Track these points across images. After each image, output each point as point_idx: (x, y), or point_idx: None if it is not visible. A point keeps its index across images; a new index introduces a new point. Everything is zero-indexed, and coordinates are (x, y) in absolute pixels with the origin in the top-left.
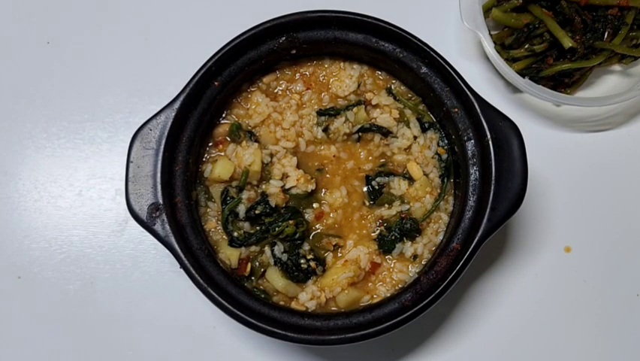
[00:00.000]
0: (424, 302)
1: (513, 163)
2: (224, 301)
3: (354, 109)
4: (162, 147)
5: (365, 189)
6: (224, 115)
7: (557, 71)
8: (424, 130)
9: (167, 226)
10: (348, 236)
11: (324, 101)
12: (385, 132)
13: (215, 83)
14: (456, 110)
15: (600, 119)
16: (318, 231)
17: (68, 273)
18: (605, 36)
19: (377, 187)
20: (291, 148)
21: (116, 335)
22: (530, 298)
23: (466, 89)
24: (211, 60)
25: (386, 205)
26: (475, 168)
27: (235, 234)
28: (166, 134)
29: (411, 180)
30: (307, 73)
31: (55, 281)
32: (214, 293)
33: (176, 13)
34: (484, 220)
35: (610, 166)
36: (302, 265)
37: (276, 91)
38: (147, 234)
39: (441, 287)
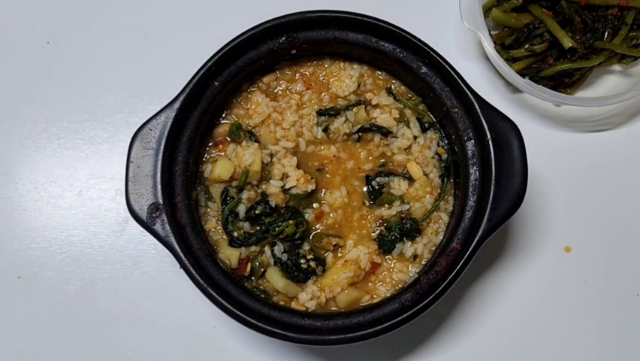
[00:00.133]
0: (424, 302)
1: (513, 163)
2: (224, 301)
3: (354, 109)
4: (162, 147)
5: (365, 189)
6: (224, 115)
7: (557, 71)
8: (424, 130)
9: (167, 226)
10: (348, 236)
11: (324, 101)
12: (385, 132)
13: (215, 83)
14: (456, 110)
15: (600, 119)
16: (318, 231)
17: (68, 273)
18: (605, 36)
19: (377, 187)
20: (291, 148)
21: (116, 335)
22: (530, 298)
23: (466, 89)
24: (211, 60)
25: (386, 205)
26: (475, 168)
27: (235, 234)
28: (166, 134)
29: (411, 180)
30: (307, 73)
31: (55, 281)
32: (214, 293)
33: (176, 13)
34: (484, 220)
35: (610, 166)
36: (302, 265)
37: (276, 91)
38: (147, 234)
39: (441, 287)
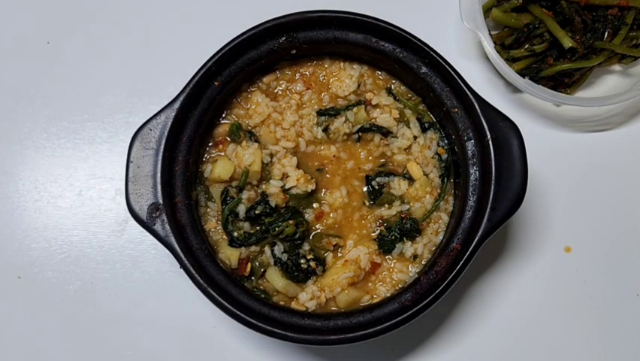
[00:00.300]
0: (424, 302)
1: (513, 163)
2: (224, 301)
3: (354, 109)
4: (162, 147)
5: (365, 189)
6: (224, 115)
7: (557, 71)
8: (424, 130)
9: (167, 226)
10: (348, 236)
11: (324, 101)
12: (385, 132)
13: (215, 83)
14: (456, 110)
15: (600, 119)
16: (318, 231)
17: (68, 273)
18: (605, 36)
19: (377, 187)
20: (291, 148)
21: (116, 335)
22: (530, 298)
23: (466, 89)
24: (211, 60)
25: (386, 205)
26: (475, 168)
27: (235, 234)
28: (166, 134)
29: (411, 180)
30: (307, 73)
31: (55, 281)
32: (214, 293)
33: (176, 13)
34: (484, 220)
35: (610, 166)
36: (302, 265)
37: (276, 91)
38: (147, 234)
39: (441, 287)
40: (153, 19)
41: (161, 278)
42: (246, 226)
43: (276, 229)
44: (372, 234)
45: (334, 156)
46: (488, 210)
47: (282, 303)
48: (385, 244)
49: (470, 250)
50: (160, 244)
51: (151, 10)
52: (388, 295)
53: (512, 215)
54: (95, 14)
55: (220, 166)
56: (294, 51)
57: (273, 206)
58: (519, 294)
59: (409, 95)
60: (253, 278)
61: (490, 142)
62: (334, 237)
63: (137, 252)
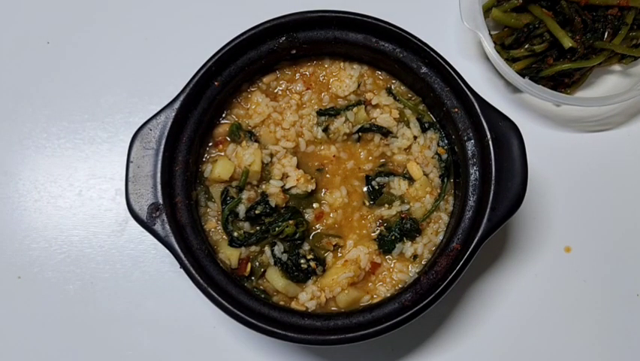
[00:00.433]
0: (424, 302)
1: (513, 163)
2: (224, 301)
3: (354, 109)
4: (162, 147)
5: (365, 189)
6: (224, 115)
7: (557, 71)
8: (424, 130)
9: (167, 226)
10: (348, 236)
11: (324, 101)
12: (385, 132)
13: (215, 83)
14: (456, 110)
15: (600, 119)
16: (318, 231)
17: (68, 273)
18: (605, 36)
19: (377, 187)
20: (291, 148)
21: (116, 335)
22: (530, 298)
23: (466, 89)
24: (211, 60)
25: (386, 205)
26: (475, 168)
27: (235, 234)
28: (166, 134)
29: (411, 180)
30: (307, 73)
31: (55, 281)
32: (214, 293)
33: (175, 14)
34: (484, 220)
35: (610, 166)
36: (302, 265)
37: (276, 91)
38: (147, 234)
39: (441, 287)
40: (153, 19)
41: (161, 278)
42: (246, 226)
43: (276, 229)
44: (372, 234)
45: (334, 156)
46: (488, 210)
47: (282, 303)
48: (385, 244)
49: (470, 250)
50: (160, 244)
51: (151, 10)
52: (388, 295)
53: (512, 215)
54: (95, 14)
55: (220, 166)
56: (294, 51)
57: (273, 206)
58: (519, 294)
59: (409, 95)
60: (253, 278)
61: (490, 142)
62: (334, 237)
63: (137, 252)
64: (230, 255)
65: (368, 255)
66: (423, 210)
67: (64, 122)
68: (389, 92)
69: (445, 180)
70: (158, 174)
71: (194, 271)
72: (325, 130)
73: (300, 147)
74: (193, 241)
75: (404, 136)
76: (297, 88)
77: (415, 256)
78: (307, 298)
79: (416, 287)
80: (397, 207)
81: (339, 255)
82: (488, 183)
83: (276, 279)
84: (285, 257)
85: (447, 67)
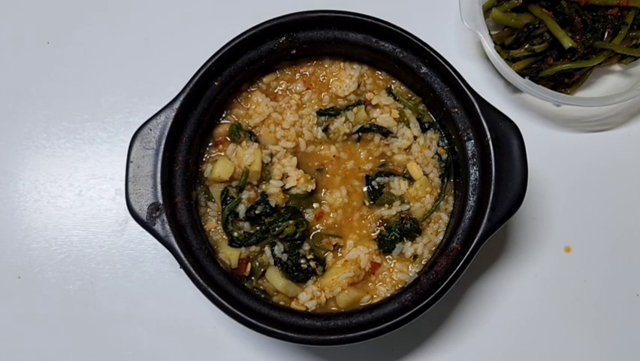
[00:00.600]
0: (424, 302)
1: (513, 163)
2: (224, 301)
3: (354, 109)
4: (162, 147)
5: (365, 189)
6: (224, 115)
7: (557, 71)
8: (424, 130)
9: (167, 226)
10: (348, 236)
11: (324, 101)
12: (385, 132)
13: (215, 83)
14: (456, 110)
15: (600, 119)
16: (318, 231)
17: (68, 273)
18: (605, 36)
19: (377, 187)
20: (291, 148)
21: (116, 335)
22: (530, 298)
23: (466, 89)
24: (211, 60)
25: (386, 205)
26: (475, 168)
27: (235, 234)
28: (166, 134)
29: (411, 180)
30: (307, 73)
31: (55, 281)
32: (214, 293)
33: (176, 13)
34: (484, 220)
35: (610, 166)
36: (302, 265)
37: (276, 91)
38: (147, 234)
39: (441, 287)
40: (153, 19)
41: (161, 278)
42: (246, 226)
43: (276, 229)
44: (372, 234)
45: (334, 156)
46: (488, 210)
47: (282, 303)
48: (385, 244)
49: (470, 250)
50: (160, 244)
51: (151, 10)
52: (388, 295)
53: (512, 215)
54: (95, 14)
55: (220, 166)
56: (294, 51)
57: (273, 206)
58: (519, 294)
59: (409, 95)
60: (253, 278)
61: (490, 142)
62: (334, 237)
63: (137, 252)
64: (230, 255)
65: (368, 255)
66: (423, 210)
67: (64, 122)
68: (389, 92)
69: (445, 180)
70: (158, 174)
71: (194, 271)
72: (325, 130)
73: (300, 147)
74: (193, 241)
75: (404, 136)
76: (297, 88)
77: (415, 256)
78: (307, 298)
79: (416, 287)
80: (397, 207)
81: (339, 255)
82: (488, 183)
83: (276, 279)
84: (285, 257)
85: (447, 67)
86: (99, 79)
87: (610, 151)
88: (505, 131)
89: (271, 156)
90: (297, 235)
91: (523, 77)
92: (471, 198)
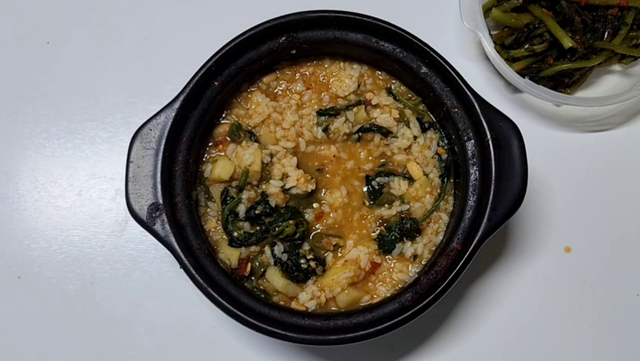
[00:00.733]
0: (424, 302)
1: (513, 163)
2: (224, 301)
3: (354, 109)
4: (162, 147)
5: (365, 189)
6: (224, 115)
7: (557, 71)
8: (424, 130)
9: (167, 226)
10: (348, 236)
11: (324, 101)
12: (385, 132)
13: (215, 83)
14: (456, 110)
15: (600, 119)
16: (318, 231)
17: (68, 273)
18: (605, 36)
19: (377, 187)
20: (291, 148)
21: (116, 335)
22: (530, 298)
23: (466, 89)
24: (211, 60)
25: (386, 205)
26: (475, 168)
27: (235, 234)
28: (166, 134)
29: (411, 180)
30: (307, 73)
31: (55, 281)
32: (214, 293)
33: (176, 13)
34: (484, 220)
35: (610, 166)
36: (302, 265)
37: (276, 91)
38: (147, 234)
39: (441, 287)
40: (153, 19)
41: (161, 278)
42: (246, 226)
43: (276, 229)
44: (372, 234)
45: (334, 156)
46: (488, 210)
47: (282, 303)
48: (385, 244)
49: (470, 250)
50: (160, 244)
51: (151, 10)
52: (388, 295)
53: (512, 215)
54: (94, 14)
55: (220, 166)
56: (294, 51)
57: (273, 206)
58: (519, 294)
59: (409, 95)
60: (253, 278)
61: (490, 142)
62: (334, 237)
63: (137, 252)
64: (230, 255)
65: (368, 255)
66: (423, 210)
67: (65, 122)
68: (389, 92)
69: (445, 180)
70: (158, 174)
71: (194, 271)
72: (325, 130)
73: (300, 147)
74: (193, 241)
75: (404, 136)
76: (297, 88)
77: (415, 256)
78: (307, 298)
79: (416, 287)
80: (397, 207)
81: (339, 255)
82: (488, 183)
83: (276, 279)
84: (285, 257)
85: (447, 67)
86: (99, 79)
87: (610, 151)
88: (505, 131)
89: (271, 156)
90: (297, 235)
91: (523, 77)
92: (471, 198)
